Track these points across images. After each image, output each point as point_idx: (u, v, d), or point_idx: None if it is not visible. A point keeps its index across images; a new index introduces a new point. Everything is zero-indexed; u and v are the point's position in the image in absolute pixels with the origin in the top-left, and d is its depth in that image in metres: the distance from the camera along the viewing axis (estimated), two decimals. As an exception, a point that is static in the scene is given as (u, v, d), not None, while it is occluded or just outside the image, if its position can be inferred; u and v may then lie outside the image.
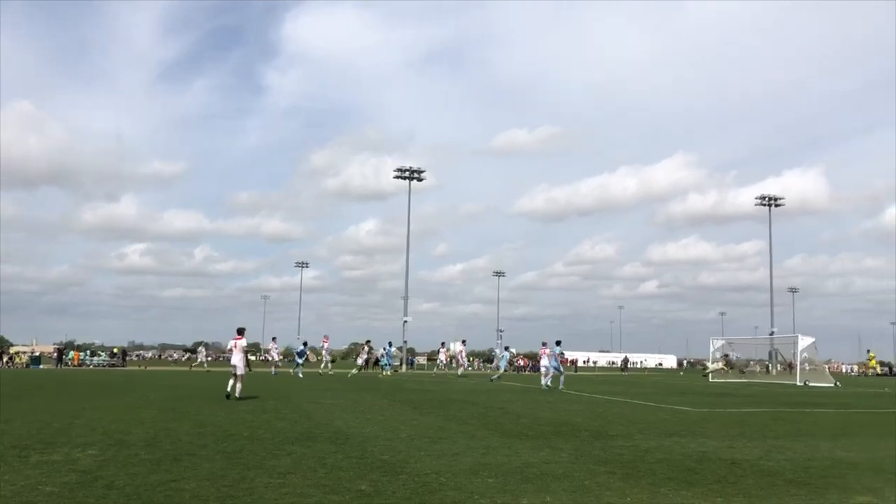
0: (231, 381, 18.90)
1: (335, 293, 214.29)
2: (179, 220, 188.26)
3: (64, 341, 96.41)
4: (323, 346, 43.46)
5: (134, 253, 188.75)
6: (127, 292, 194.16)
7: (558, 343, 31.70)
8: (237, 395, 18.46)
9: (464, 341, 48.24)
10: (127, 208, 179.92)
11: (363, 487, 7.29)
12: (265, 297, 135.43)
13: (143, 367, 54.59)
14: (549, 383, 29.24)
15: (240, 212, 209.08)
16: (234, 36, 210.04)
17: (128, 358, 71.32)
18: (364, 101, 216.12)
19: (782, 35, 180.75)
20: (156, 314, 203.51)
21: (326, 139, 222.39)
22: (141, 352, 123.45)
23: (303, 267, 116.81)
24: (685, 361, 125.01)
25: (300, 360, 39.34)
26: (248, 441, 10.58)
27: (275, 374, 38.24)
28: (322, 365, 40.43)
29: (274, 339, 43.79)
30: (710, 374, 46.90)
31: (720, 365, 48.60)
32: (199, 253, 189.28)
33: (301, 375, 35.89)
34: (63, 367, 51.28)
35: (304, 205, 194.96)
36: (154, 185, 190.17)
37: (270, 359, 42.43)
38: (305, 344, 42.03)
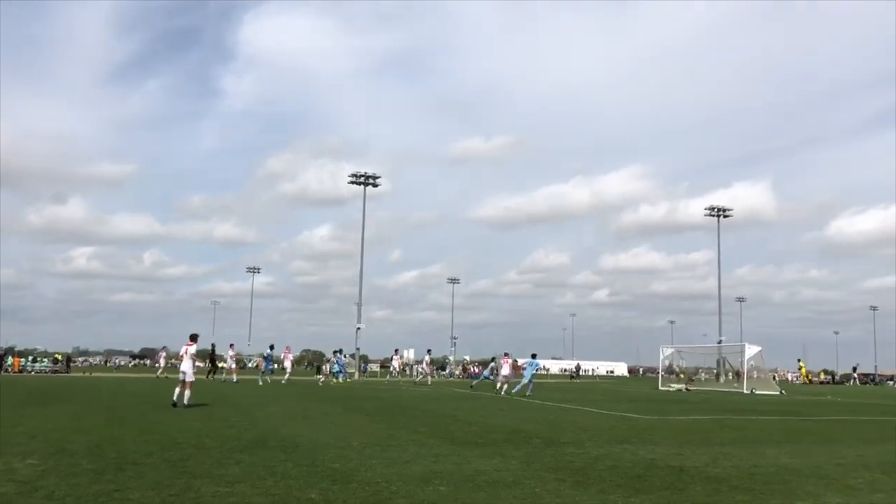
0: (178, 389, 18.51)
1: (287, 299, 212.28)
2: (129, 223, 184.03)
3: (4, 347, 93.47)
4: (286, 357, 42.82)
5: (81, 256, 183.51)
6: (72, 297, 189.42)
7: (534, 356, 33.32)
8: (185, 402, 18.09)
9: (429, 350, 48.59)
10: (74, 211, 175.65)
11: (313, 496, 7.20)
12: (215, 303, 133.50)
13: (87, 374, 53.25)
14: (510, 391, 30.29)
15: (192, 216, 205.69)
16: (190, 38, 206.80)
17: (72, 364, 69.38)
18: (321, 106, 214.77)
19: (733, 49, 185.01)
20: (102, 319, 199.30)
21: (283, 144, 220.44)
22: (86, 358, 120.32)
23: (254, 272, 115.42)
24: (641, 369, 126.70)
25: (270, 367, 38.66)
26: (195, 449, 10.38)
27: (236, 381, 37.67)
28: (286, 375, 39.85)
29: (231, 345, 42.96)
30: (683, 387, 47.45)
31: (683, 380, 49.24)
32: (149, 257, 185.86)
33: (261, 383, 35.15)
34: (3, 373, 49.73)
35: (259, 209, 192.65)
36: (103, 187, 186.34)
37: (228, 366, 41.57)
38: (272, 348, 41.06)
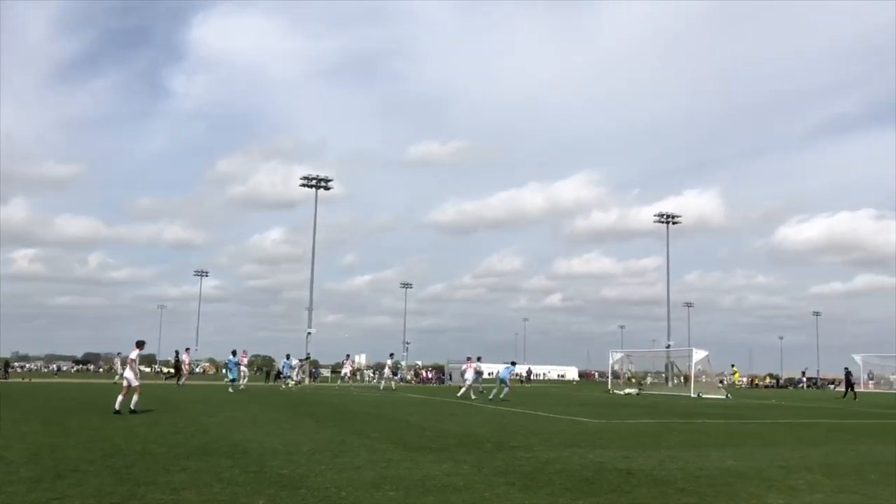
0: (121, 396, 18.07)
1: (237, 303, 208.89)
2: (74, 224, 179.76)
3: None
4: (241, 362, 42.00)
5: (22, 259, 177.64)
6: (12, 300, 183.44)
7: (514, 363, 34.04)
8: (132, 408, 17.67)
9: (392, 354, 48.32)
10: (16, 211, 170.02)
11: (260, 503, 7.10)
12: (162, 307, 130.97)
13: (27, 380, 51.67)
14: (472, 395, 30.64)
15: (140, 218, 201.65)
16: (138, 37, 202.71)
17: (10, 370, 67.29)
18: (275, 109, 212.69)
19: (684, 59, 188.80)
20: (44, 323, 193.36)
21: (234, 146, 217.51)
22: (26, 363, 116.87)
23: (202, 276, 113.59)
24: (596, 373, 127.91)
25: (235, 374, 37.34)
26: (139, 456, 10.15)
27: (180, 385, 36.98)
28: (243, 380, 39.02)
29: (187, 349, 42.01)
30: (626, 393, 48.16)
31: (634, 384, 50.13)
32: (94, 259, 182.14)
33: (231, 390, 33.89)
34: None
35: (209, 212, 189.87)
36: (47, 188, 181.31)
37: (184, 371, 40.52)
38: (235, 353, 39.43)
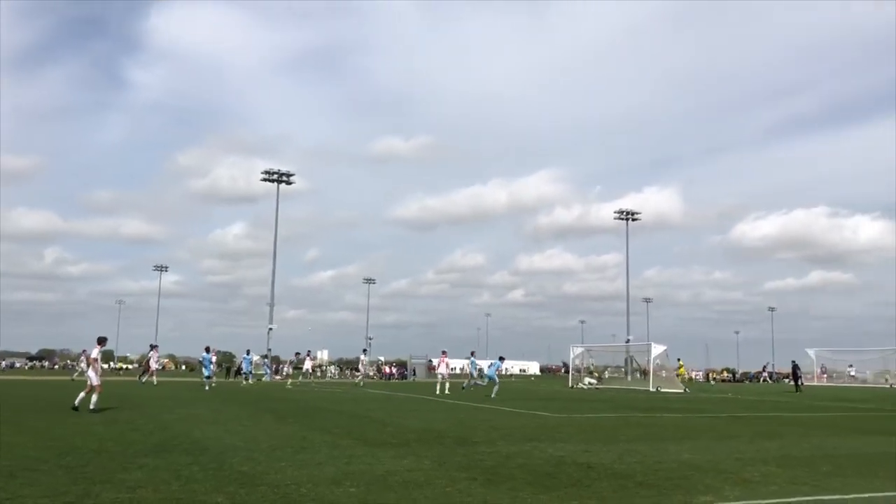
0: (83, 393, 17.74)
1: (197, 299, 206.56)
2: (29, 218, 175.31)
3: None
4: (210, 359, 41.35)
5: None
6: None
7: (501, 359, 34.04)
8: (91, 406, 17.34)
9: (365, 350, 48.10)
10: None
11: (220, 500, 7.03)
12: (120, 302, 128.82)
13: (-21, 377, 50.44)
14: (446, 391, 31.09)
15: (98, 211, 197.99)
16: (95, 26, 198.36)
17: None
18: (236, 102, 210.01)
19: (646, 57, 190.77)
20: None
21: (194, 139, 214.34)
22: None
23: (161, 271, 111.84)
24: (561, 368, 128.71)
25: (213, 370, 36.34)
26: (95, 454, 9.97)
27: (155, 383, 36.43)
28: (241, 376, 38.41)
29: (154, 346, 41.27)
30: (588, 384, 48.83)
31: (594, 377, 50.97)
32: (50, 254, 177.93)
33: (208, 388, 32.79)
34: None
35: (169, 206, 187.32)
36: (1, 181, 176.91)
37: (150, 368, 39.76)
38: (208, 350, 38.51)
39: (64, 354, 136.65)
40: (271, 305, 64.71)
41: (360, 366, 47.15)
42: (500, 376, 32.24)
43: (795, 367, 49.75)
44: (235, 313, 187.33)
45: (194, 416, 17.18)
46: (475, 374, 31.54)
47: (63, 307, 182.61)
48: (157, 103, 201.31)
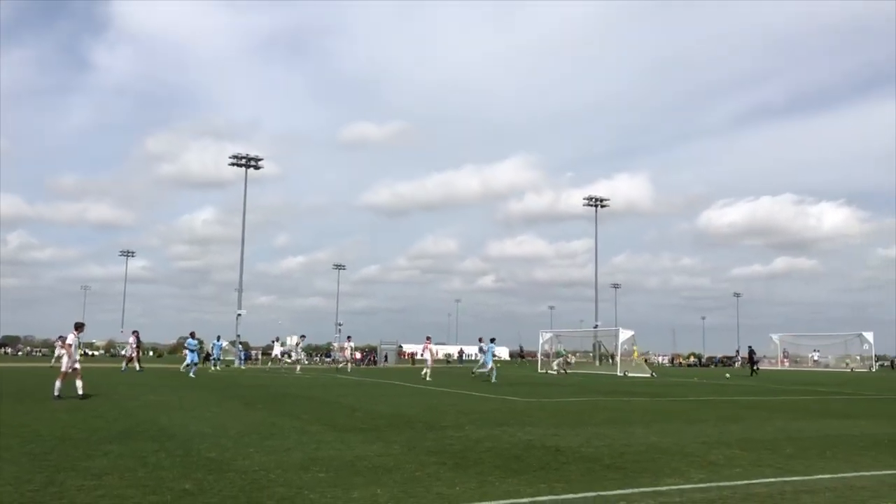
0: (78, 381, 17.44)
1: (166, 285, 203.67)
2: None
3: None
4: (196, 344, 40.71)
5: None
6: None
7: (493, 341, 33.32)
8: (80, 392, 17.08)
9: (349, 337, 47.92)
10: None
11: (187, 486, 6.97)
12: (86, 288, 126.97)
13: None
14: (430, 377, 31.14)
15: (64, 196, 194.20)
16: (58, 7, 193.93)
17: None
18: (205, 86, 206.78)
19: (618, 44, 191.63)
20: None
21: (163, 123, 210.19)
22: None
23: (128, 256, 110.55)
24: (539, 355, 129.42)
25: (197, 357, 35.07)
26: (59, 441, 9.84)
27: (138, 369, 35.94)
28: (184, 364, 37.72)
29: (135, 332, 40.53)
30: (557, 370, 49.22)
31: (562, 361, 51.32)
32: (15, 239, 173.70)
33: (193, 374, 32.21)
34: None
35: (136, 191, 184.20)
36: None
37: (126, 353, 38.92)
38: (193, 335, 37.01)
39: (27, 341, 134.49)
40: (240, 291, 64.29)
41: (347, 351, 46.83)
42: (473, 362, 32.35)
43: (752, 352, 51.17)
44: (205, 299, 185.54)
45: (161, 402, 17.01)
46: (490, 362, 31.40)
47: (28, 293, 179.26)
48: (123, 87, 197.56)
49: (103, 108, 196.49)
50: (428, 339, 34.82)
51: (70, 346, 18.02)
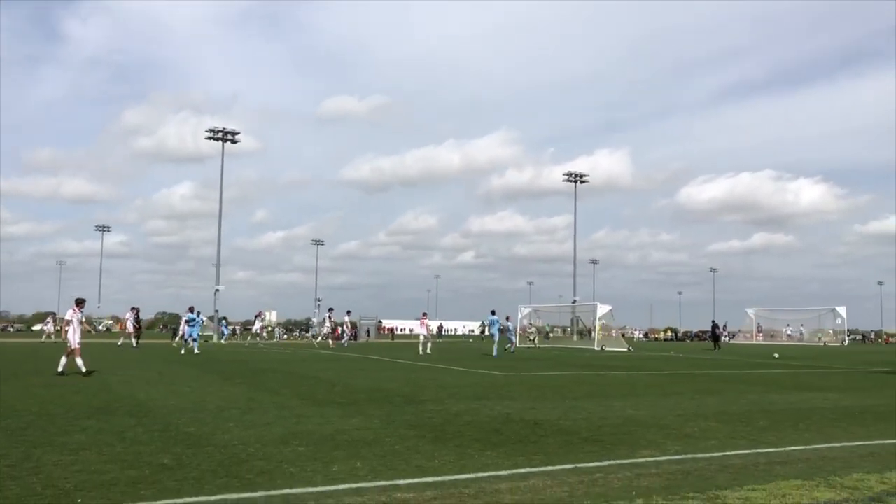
0: (64, 358, 17.24)
1: (143, 260, 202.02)
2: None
3: None
4: (196, 319, 40.08)
5: None
6: None
7: (493, 313, 33.66)
8: (82, 369, 16.87)
9: (349, 312, 47.76)
10: None
11: (165, 461, 6.96)
12: (61, 263, 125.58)
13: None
14: (429, 351, 31.72)
15: (38, 170, 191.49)
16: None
17: None
18: (182, 59, 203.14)
19: (599, 20, 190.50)
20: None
21: (140, 96, 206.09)
22: None
23: (104, 231, 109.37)
24: (523, 329, 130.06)
25: (198, 332, 34.49)
26: (36, 417, 9.77)
27: (135, 345, 35.67)
28: (177, 338, 37.09)
29: (134, 309, 39.95)
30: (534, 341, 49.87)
31: (534, 332, 52.07)
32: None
33: (183, 352, 31.66)
34: None
35: (113, 165, 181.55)
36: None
37: (128, 329, 38.35)
38: (192, 310, 36.28)
39: (2, 317, 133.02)
40: (217, 266, 63.78)
41: (345, 325, 46.62)
42: (448, 335, 32.63)
43: (714, 327, 51.93)
44: (183, 274, 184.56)
45: (138, 377, 16.94)
46: (514, 338, 31.83)
47: (2, 268, 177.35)
48: (97, 59, 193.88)
49: (78, 81, 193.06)
50: (424, 315, 34.92)
51: (69, 322, 17.69)
